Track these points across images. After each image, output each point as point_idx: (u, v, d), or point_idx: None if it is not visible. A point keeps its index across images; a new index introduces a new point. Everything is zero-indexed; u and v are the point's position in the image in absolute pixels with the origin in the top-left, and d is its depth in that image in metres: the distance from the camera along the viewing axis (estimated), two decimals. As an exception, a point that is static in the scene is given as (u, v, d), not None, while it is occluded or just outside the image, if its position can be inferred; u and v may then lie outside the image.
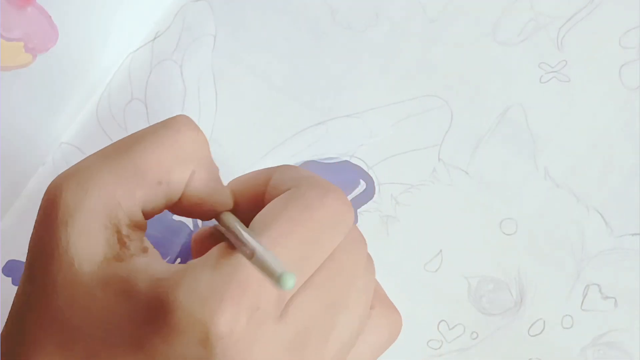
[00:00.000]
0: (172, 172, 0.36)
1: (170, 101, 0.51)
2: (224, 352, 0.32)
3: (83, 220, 0.35)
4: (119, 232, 0.35)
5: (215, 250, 0.34)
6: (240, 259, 0.33)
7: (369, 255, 0.40)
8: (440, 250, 0.50)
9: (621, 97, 0.49)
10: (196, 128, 0.38)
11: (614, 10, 0.50)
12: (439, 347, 0.50)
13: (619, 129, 0.50)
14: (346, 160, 0.50)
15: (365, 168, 0.50)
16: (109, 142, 0.50)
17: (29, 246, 0.36)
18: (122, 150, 0.36)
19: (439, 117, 0.50)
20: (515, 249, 0.49)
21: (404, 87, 0.50)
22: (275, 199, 0.37)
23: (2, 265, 0.51)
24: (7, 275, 0.51)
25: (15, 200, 0.51)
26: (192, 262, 0.34)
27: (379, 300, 0.41)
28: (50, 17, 0.50)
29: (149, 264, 0.34)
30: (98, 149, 0.50)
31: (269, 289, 0.33)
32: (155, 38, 0.52)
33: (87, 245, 0.34)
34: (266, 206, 0.37)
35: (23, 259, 0.51)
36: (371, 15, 0.51)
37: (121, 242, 0.35)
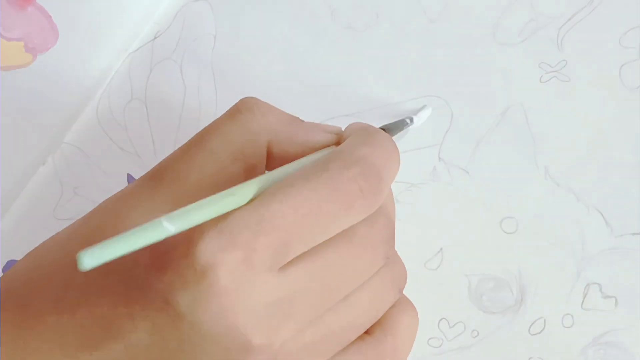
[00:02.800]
0: (244, 148, 0.38)
1: (170, 101, 0.51)
2: (210, 281, 0.32)
3: (159, 201, 0.37)
4: None
5: None
6: (247, 205, 0.34)
7: (396, 257, 0.41)
8: (441, 249, 0.50)
9: (621, 97, 0.50)
10: (256, 104, 0.40)
11: (614, 10, 0.50)
12: (440, 345, 0.50)
13: (619, 129, 0.50)
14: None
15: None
16: (109, 142, 0.50)
17: None
18: (196, 143, 0.39)
19: (439, 116, 0.50)
20: (516, 248, 0.49)
21: (404, 87, 0.50)
22: (314, 153, 0.39)
23: (2, 266, 0.51)
24: (7, 275, 0.51)
25: (16, 200, 0.51)
26: None
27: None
28: (50, 17, 0.50)
29: None
30: (98, 149, 0.50)
31: (269, 240, 0.33)
32: (155, 38, 0.52)
33: (149, 214, 0.36)
34: (304, 157, 0.39)
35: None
36: (371, 15, 0.51)
37: None
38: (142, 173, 0.50)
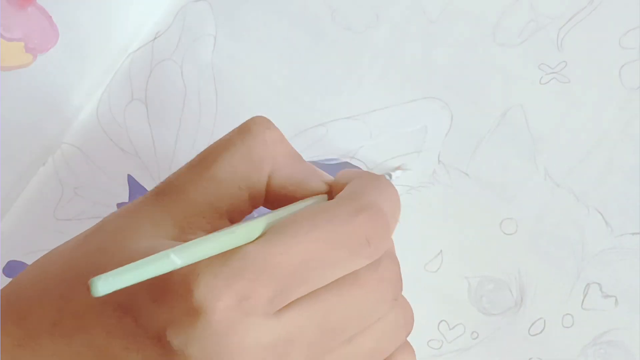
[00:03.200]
0: (249, 176, 0.38)
1: (170, 101, 0.51)
2: (205, 322, 0.32)
3: (162, 222, 0.37)
4: (191, 234, 0.37)
5: None
6: (248, 247, 0.34)
7: (404, 301, 0.40)
8: (441, 251, 0.50)
9: (621, 97, 0.49)
10: (268, 128, 0.39)
11: (614, 10, 0.50)
12: (440, 347, 0.50)
13: (619, 129, 0.50)
14: (346, 162, 0.50)
15: (365, 169, 0.50)
16: (109, 143, 0.50)
17: None
18: (203, 163, 0.38)
19: (439, 118, 0.50)
20: (516, 249, 0.49)
21: (404, 88, 0.50)
22: (319, 201, 0.39)
23: (3, 266, 0.51)
24: (8, 276, 0.51)
25: (16, 201, 0.51)
26: None
27: None
28: (50, 17, 0.50)
29: None
30: (98, 150, 0.50)
31: (267, 284, 0.33)
32: (155, 38, 0.52)
33: (153, 233, 0.37)
34: (309, 200, 0.39)
35: (23, 259, 0.51)
36: (371, 16, 0.51)
37: None
38: (143, 173, 0.50)
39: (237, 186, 0.38)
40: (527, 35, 0.50)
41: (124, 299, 0.34)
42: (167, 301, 0.33)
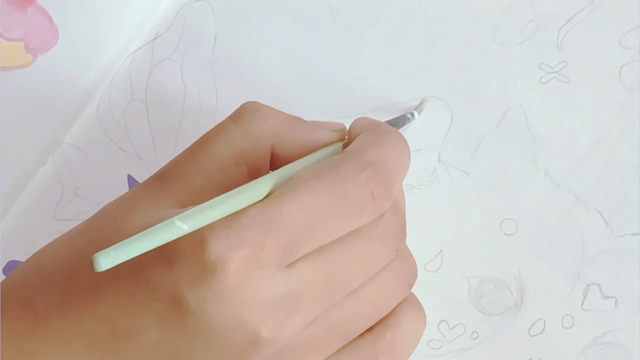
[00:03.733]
0: (247, 152, 0.39)
1: (170, 101, 0.51)
2: (220, 277, 0.33)
3: (162, 202, 0.38)
4: None
5: None
6: (259, 203, 0.34)
7: (406, 251, 0.41)
8: (441, 251, 0.50)
9: (621, 97, 0.49)
10: (258, 108, 0.40)
11: (614, 10, 0.50)
12: (440, 347, 0.50)
13: (619, 129, 0.49)
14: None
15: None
16: (109, 143, 0.50)
17: None
18: (200, 146, 0.40)
19: (439, 117, 0.50)
20: (516, 249, 0.49)
21: (404, 88, 0.50)
22: (321, 150, 0.40)
23: (3, 266, 0.51)
24: (8, 276, 0.51)
25: (16, 201, 0.51)
26: None
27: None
28: (50, 17, 0.50)
29: None
30: (98, 150, 0.50)
31: (278, 238, 0.34)
32: (155, 38, 0.52)
33: (153, 212, 0.37)
34: (312, 154, 0.40)
35: (23, 259, 0.51)
36: (371, 16, 0.51)
37: None
38: (143, 173, 0.50)
39: (235, 162, 0.39)
40: (527, 35, 0.50)
41: (132, 269, 0.34)
42: (180, 261, 0.33)
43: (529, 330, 0.49)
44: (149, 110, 0.51)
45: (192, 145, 0.40)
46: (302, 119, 0.42)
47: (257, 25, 0.51)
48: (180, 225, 0.32)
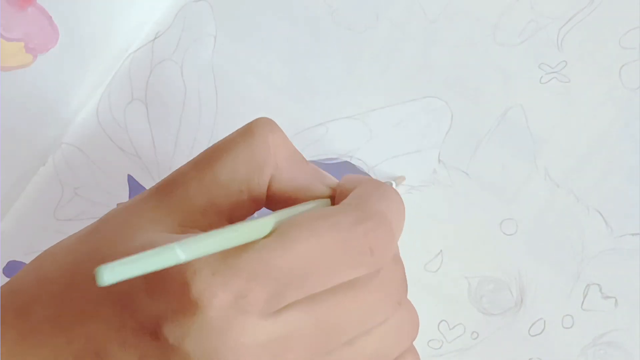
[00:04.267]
0: (251, 178, 0.38)
1: (170, 101, 0.51)
2: (200, 317, 0.32)
3: (163, 218, 0.37)
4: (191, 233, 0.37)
5: None
6: (248, 247, 0.34)
7: (409, 305, 0.39)
8: (441, 251, 0.50)
9: (621, 97, 0.49)
10: (271, 131, 0.39)
11: (614, 10, 0.50)
12: (440, 347, 0.50)
13: (619, 129, 0.50)
14: (346, 161, 0.50)
15: (365, 169, 0.50)
16: (109, 143, 0.50)
17: None
18: (205, 162, 0.39)
19: (439, 118, 0.50)
20: (516, 249, 0.49)
21: (404, 88, 0.50)
22: (320, 206, 0.38)
23: (3, 266, 0.51)
24: (8, 276, 0.51)
25: (16, 201, 0.51)
26: None
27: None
28: (50, 17, 0.50)
29: None
30: (98, 150, 0.50)
31: (265, 285, 0.33)
32: (155, 38, 0.52)
33: (151, 230, 0.37)
34: (313, 205, 0.39)
35: (23, 259, 0.51)
36: (371, 16, 0.51)
37: None
38: (143, 174, 0.50)
39: (238, 188, 0.38)
40: (528, 35, 0.50)
41: (122, 294, 0.34)
42: (164, 295, 0.33)
43: (529, 330, 0.50)
44: (149, 110, 0.51)
45: (198, 158, 0.39)
46: (306, 159, 0.41)
47: (257, 25, 0.51)
48: (179, 254, 0.32)
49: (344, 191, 0.39)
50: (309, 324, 0.34)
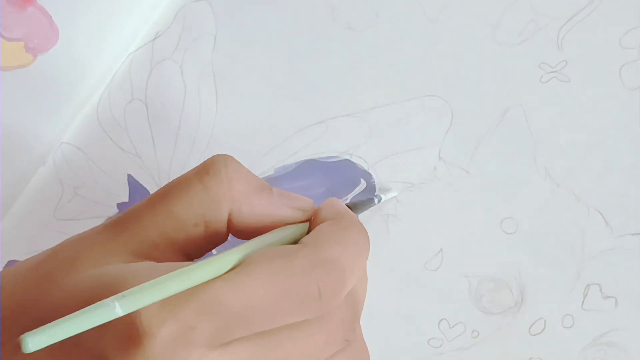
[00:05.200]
0: (206, 214, 0.38)
1: (170, 101, 0.51)
2: (145, 349, 0.32)
3: (115, 251, 0.37)
4: None
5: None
6: (208, 282, 0.34)
7: (357, 342, 0.39)
8: (441, 249, 0.50)
9: (621, 97, 0.50)
10: (226, 165, 0.39)
11: (614, 10, 0.50)
12: (440, 346, 0.50)
13: (619, 129, 0.50)
14: (346, 159, 0.50)
15: (365, 167, 0.50)
16: (109, 143, 0.50)
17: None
18: (160, 198, 0.39)
19: (439, 116, 0.50)
20: (516, 248, 0.49)
21: (404, 86, 0.50)
22: (296, 232, 0.39)
23: (3, 266, 0.51)
24: (8, 275, 0.51)
25: (16, 201, 0.51)
26: None
27: None
28: (50, 17, 0.50)
29: None
30: (98, 150, 0.50)
31: (212, 320, 0.33)
32: (155, 38, 0.52)
33: (103, 259, 0.37)
34: (269, 235, 0.38)
35: (23, 259, 0.51)
36: (371, 15, 0.51)
37: None
38: (143, 173, 0.50)
39: (193, 223, 0.38)
40: (528, 34, 0.50)
41: None
42: (110, 327, 0.33)
43: (529, 330, 0.49)
44: (149, 110, 0.51)
45: (153, 195, 0.39)
46: (270, 188, 0.40)
47: (257, 25, 0.51)
48: (118, 311, 0.32)
49: (319, 218, 0.39)
50: (255, 357, 0.35)
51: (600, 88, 0.50)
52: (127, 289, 0.33)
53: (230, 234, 0.39)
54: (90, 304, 0.32)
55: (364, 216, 0.50)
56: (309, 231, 0.39)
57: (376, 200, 0.49)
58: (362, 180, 0.50)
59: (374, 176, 0.50)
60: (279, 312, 0.35)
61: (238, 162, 0.39)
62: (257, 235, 0.38)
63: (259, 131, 0.51)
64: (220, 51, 0.51)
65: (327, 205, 0.41)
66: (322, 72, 0.51)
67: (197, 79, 0.51)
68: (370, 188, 0.50)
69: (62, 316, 0.31)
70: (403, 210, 0.50)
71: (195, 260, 0.39)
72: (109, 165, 0.52)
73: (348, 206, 0.42)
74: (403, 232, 0.50)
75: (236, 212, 0.39)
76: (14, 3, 0.50)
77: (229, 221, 0.39)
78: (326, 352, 0.37)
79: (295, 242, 0.38)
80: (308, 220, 0.40)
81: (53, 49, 0.50)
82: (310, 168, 0.50)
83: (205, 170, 0.39)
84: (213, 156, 0.39)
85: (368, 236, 0.39)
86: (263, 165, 0.50)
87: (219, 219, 0.38)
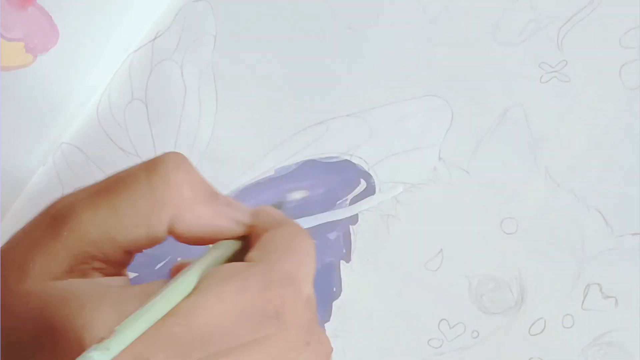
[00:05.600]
0: (148, 216, 0.37)
1: (170, 101, 0.51)
2: None
3: (58, 256, 0.36)
4: (86, 264, 0.37)
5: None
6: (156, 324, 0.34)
7: (317, 344, 0.39)
8: (441, 249, 0.50)
9: (621, 97, 0.50)
10: (176, 168, 0.38)
11: (614, 10, 0.50)
12: (440, 346, 0.50)
13: (619, 129, 0.50)
14: (346, 160, 0.50)
15: (365, 167, 0.50)
16: (109, 142, 0.50)
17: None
18: (103, 193, 0.38)
19: (439, 116, 0.50)
20: (516, 248, 0.49)
21: (404, 86, 0.50)
22: (231, 248, 0.39)
23: (2, 266, 0.51)
24: (8, 275, 0.51)
25: (16, 200, 0.51)
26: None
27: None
28: (50, 17, 0.50)
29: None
30: (98, 150, 0.50)
31: (168, 349, 0.33)
32: (155, 38, 0.52)
33: (48, 266, 0.36)
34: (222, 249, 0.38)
35: (23, 259, 0.51)
36: (371, 15, 0.51)
37: (86, 272, 0.37)
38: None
39: (135, 224, 0.37)
40: (528, 34, 0.50)
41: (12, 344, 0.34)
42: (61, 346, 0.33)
43: (529, 330, 0.49)
44: (149, 110, 0.51)
45: (96, 187, 0.38)
46: (217, 196, 0.39)
47: (257, 25, 0.51)
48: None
49: (258, 232, 0.39)
50: None
51: (600, 88, 0.50)
52: (72, 312, 0.33)
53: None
54: (40, 326, 0.33)
55: (364, 216, 0.50)
56: (251, 241, 0.39)
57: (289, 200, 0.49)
58: (362, 180, 0.50)
59: (373, 176, 0.50)
60: (236, 335, 0.34)
61: (190, 165, 0.38)
62: (196, 241, 0.38)
63: (259, 131, 0.51)
64: (220, 51, 0.51)
65: (262, 215, 0.40)
66: (322, 72, 0.51)
67: (197, 79, 0.51)
68: (370, 188, 0.50)
69: (16, 323, 0.32)
70: (403, 210, 0.50)
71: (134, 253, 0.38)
72: (109, 165, 0.51)
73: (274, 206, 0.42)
74: (403, 232, 0.50)
75: (179, 218, 0.38)
76: (14, 3, 0.50)
77: (170, 225, 0.38)
78: (289, 356, 0.37)
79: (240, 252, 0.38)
80: (244, 235, 0.39)
81: (53, 49, 0.50)
82: (310, 168, 0.50)
83: (155, 170, 0.37)
84: (164, 154, 0.38)
85: (312, 240, 0.39)
86: (263, 166, 0.50)
87: (160, 224, 0.37)
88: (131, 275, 0.49)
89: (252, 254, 0.37)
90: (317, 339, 0.39)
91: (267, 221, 0.39)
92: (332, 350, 0.40)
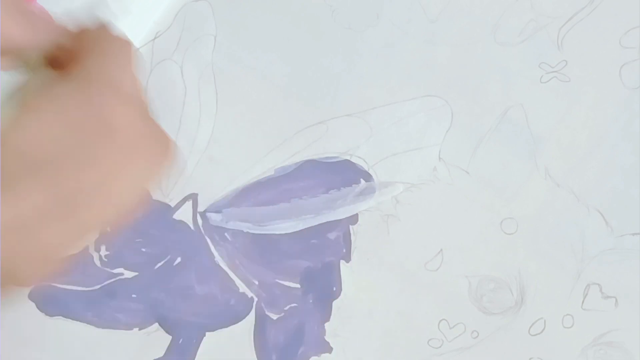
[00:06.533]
0: None
1: (170, 101, 0.51)
2: None
3: None
4: None
5: None
6: None
7: None
8: (441, 250, 0.50)
9: (621, 97, 0.50)
10: None
11: (614, 10, 0.50)
12: (440, 346, 0.50)
13: (619, 129, 0.50)
14: (346, 160, 0.50)
15: (365, 167, 0.50)
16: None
17: None
18: None
19: (439, 116, 0.50)
20: (516, 249, 0.49)
21: (404, 86, 0.50)
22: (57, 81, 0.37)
23: (2, 265, 0.51)
24: (7, 275, 0.51)
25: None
26: None
27: None
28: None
29: None
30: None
31: None
32: (155, 38, 0.52)
33: None
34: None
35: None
36: (371, 16, 0.51)
37: None
38: (142, 173, 0.50)
39: None
40: (528, 34, 0.50)
41: None
42: None
43: (529, 330, 0.49)
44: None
45: None
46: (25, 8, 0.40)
47: (257, 25, 0.51)
48: None
49: (74, 50, 0.38)
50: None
51: (600, 87, 0.50)
52: None
53: None
54: None
55: (364, 216, 0.50)
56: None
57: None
58: (362, 180, 0.50)
59: (373, 176, 0.50)
60: (66, 154, 0.34)
61: None
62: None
63: (259, 131, 0.51)
64: (220, 51, 0.51)
65: (84, 35, 0.40)
66: (322, 72, 0.51)
67: (197, 79, 0.51)
68: (370, 188, 0.50)
69: None
70: (403, 210, 0.50)
71: None
72: (109, 165, 0.51)
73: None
74: (403, 232, 0.50)
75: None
76: (14, 3, 0.50)
77: None
78: (122, 164, 0.36)
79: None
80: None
81: (53, 49, 0.50)
82: (310, 168, 0.50)
83: None
84: None
85: (127, 41, 0.39)
86: (263, 166, 0.50)
87: None
88: (131, 274, 0.49)
89: (67, 76, 0.36)
90: (150, 133, 0.38)
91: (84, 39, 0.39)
92: (173, 141, 0.38)
